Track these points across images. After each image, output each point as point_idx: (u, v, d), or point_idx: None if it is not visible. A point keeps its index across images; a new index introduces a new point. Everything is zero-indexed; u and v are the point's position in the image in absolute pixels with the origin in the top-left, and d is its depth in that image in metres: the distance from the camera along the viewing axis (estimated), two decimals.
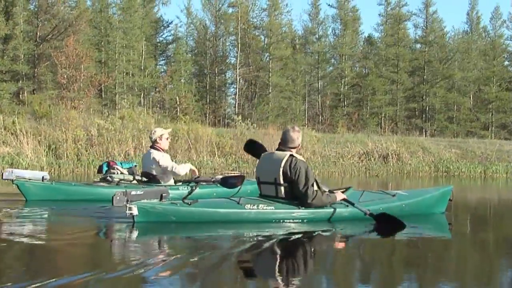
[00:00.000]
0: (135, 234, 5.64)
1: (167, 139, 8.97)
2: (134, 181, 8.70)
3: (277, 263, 4.37)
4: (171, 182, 8.82)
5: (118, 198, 5.55)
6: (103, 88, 46.08)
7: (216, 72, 54.59)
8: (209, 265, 4.19)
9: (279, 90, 53.17)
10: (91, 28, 47.54)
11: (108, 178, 8.70)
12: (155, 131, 8.96)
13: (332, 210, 6.36)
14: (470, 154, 31.03)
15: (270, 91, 52.76)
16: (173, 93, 48.89)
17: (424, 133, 53.21)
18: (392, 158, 27.72)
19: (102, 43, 47.60)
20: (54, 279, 3.53)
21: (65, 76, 39.59)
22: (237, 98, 52.71)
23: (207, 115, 50.85)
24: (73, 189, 8.68)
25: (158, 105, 50.16)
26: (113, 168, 8.85)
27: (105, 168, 8.98)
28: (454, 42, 61.64)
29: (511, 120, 56.66)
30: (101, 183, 8.70)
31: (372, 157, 27.73)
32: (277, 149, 6.51)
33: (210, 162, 21.97)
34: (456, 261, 4.92)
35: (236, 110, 52.33)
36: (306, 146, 26.41)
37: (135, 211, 5.61)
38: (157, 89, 50.47)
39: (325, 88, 57.14)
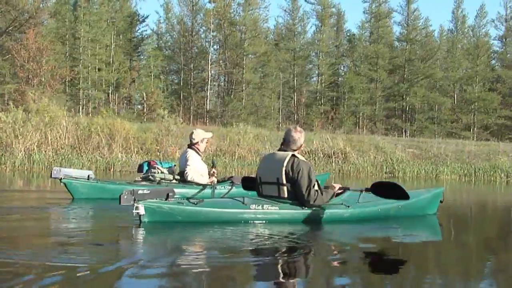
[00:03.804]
0: (141, 233, 5.50)
1: (206, 142, 9.06)
2: (174, 181, 8.72)
3: (279, 265, 4.25)
4: (206, 181, 8.82)
5: (125, 197, 5.50)
6: (67, 82, 44.95)
7: (192, 68, 53.36)
8: (213, 265, 4.16)
9: (256, 87, 51.86)
10: (56, 21, 46.40)
11: (150, 177, 8.74)
12: (198, 134, 8.94)
13: (334, 211, 6.43)
14: (426, 154, 29.64)
15: (243, 88, 51.39)
16: (141, 88, 47.67)
17: (403, 133, 51.85)
18: (336, 157, 26.35)
19: (67, 36, 46.39)
20: (53, 274, 3.53)
21: (29, 69, 38.51)
22: (208, 94, 51.50)
23: (179, 112, 49.56)
24: (118, 187, 8.56)
25: (125, 101, 48.96)
26: (154, 168, 8.88)
27: (145, 168, 9.08)
28: (439, 40, 60.17)
29: (493, 121, 54.99)
30: (143, 182, 8.69)
31: (316, 156, 26.36)
32: (278, 150, 6.44)
33: (121, 159, 20.57)
34: (453, 262, 4.83)
35: (208, 107, 51.21)
36: (242, 143, 25.10)
37: (141, 211, 5.59)
38: (128, 85, 49.18)
39: (301, 86, 55.68)
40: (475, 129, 55.18)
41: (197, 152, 8.83)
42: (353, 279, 3.95)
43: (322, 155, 26.53)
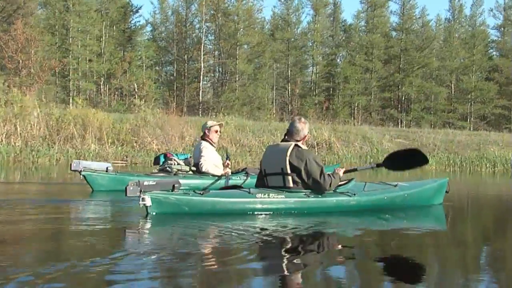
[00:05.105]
0: (148, 224, 5.51)
1: (216, 131, 9.14)
2: (190, 172, 8.91)
3: (286, 257, 4.21)
4: (220, 172, 8.93)
5: (131, 188, 5.49)
6: (57, 74, 44.51)
7: (186, 59, 52.85)
8: (218, 256, 4.14)
9: (250, 78, 51.30)
10: (45, 11, 45.94)
11: (168, 168, 8.91)
12: (206, 123, 9.24)
13: (340, 199, 6.42)
14: (415, 144, 29.12)
15: (237, 79, 50.85)
16: (132, 79, 47.15)
17: (399, 123, 51.30)
18: (320, 148, 25.89)
19: (56, 26, 45.87)
20: (60, 267, 3.50)
21: (18, 60, 38.10)
22: (201, 85, 50.95)
23: (171, 102, 48.98)
24: (136, 179, 8.37)
25: (116, 92, 48.46)
26: (170, 159, 9.06)
27: (162, 159, 9.22)
28: (436, 29, 59.45)
29: (490, 110, 54.30)
30: (160, 174, 8.80)
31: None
32: (282, 140, 6.50)
33: (94, 150, 20.14)
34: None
35: (200, 98, 50.70)
36: (222, 133, 24.57)
37: (148, 202, 5.58)
38: (120, 76, 48.59)
39: (295, 76, 55.06)
40: (472, 119, 54.57)
41: (211, 143, 9.01)
42: (358, 270, 3.92)
43: (306, 146, 26.06)
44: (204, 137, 9.08)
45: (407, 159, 6.63)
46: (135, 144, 22.09)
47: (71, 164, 8.80)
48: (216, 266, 3.78)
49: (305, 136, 6.43)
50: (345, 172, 6.67)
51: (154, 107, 24.44)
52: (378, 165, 6.82)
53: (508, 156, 26.32)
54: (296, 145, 6.21)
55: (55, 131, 20.50)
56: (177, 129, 23.27)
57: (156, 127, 23.00)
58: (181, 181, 6.26)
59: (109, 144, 21.03)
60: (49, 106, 21.60)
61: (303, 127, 6.40)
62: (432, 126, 48.02)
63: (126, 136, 21.68)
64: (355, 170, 6.85)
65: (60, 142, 20.11)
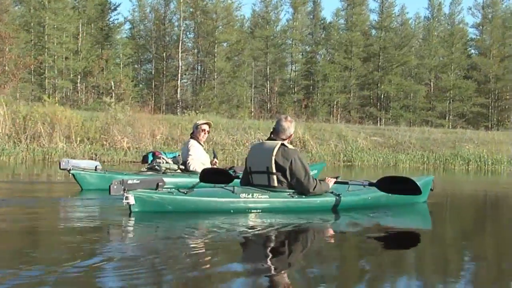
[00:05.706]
0: (131, 223, 5.45)
1: (203, 130, 9.12)
2: (178, 170, 8.95)
3: (269, 256, 4.18)
4: None
5: (115, 187, 5.43)
6: (32, 72, 43.98)
7: (164, 57, 52.49)
8: (202, 256, 4.08)
9: (229, 76, 51.04)
10: (22, 8, 45.36)
11: (156, 167, 8.93)
12: (195, 122, 9.34)
13: (324, 200, 6.40)
14: (390, 142, 29.09)
15: (215, 76, 50.60)
16: (109, 77, 46.67)
17: (378, 121, 51.36)
18: (294, 146, 25.66)
19: (32, 24, 45.32)
20: (43, 268, 3.43)
21: None
22: (179, 83, 50.61)
23: (149, 100, 48.64)
24: (125, 178, 8.21)
25: (93, 91, 47.95)
26: (159, 158, 9.07)
27: (150, 158, 9.25)
28: (414, 28, 59.63)
29: (469, 108, 54.56)
30: (149, 172, 8.85)
31: None
32: (268, 139, 6.43)
33: (62, 149, 19.81)
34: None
35: (179, 96, 50.39)
36: None
37: (131, 200, 5.55)
38: (96, 74, 48.07)
39: (274, 74, 54.93)
40: (451, 117, 54.77)
41: (198, 142, 9.03)
42: (343, 269, 3.93)
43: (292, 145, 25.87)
44: (192, 136, 9.10)
45: (400, 186, 6.55)
46: (105, 143, 21.77)
47: (60, 163, 8.73)
48: (199, 266, 3.71)
49: (291, 135, 6.37)
50: (335, 183, 6.67)
51: (124, 105, 23.95)
52: (370, 184, 6.69)
53: (482, 153, 26.40)
54: (282, 144, 6.16)
55: (22, 129, 20.13)
56: (148, 126, 22.99)
57: (126, 125, 22.70)
58: (170, 179, 6.39)
59: (78, 142, 20.70)
60: (16, 103, 21.24)
61: (289, 126, 6.33)
62: (411, 124, 48.16)
63: (95, 134, 21.35)
64: (346, 183, 6.79)
65: (27, 141, 19.74)
